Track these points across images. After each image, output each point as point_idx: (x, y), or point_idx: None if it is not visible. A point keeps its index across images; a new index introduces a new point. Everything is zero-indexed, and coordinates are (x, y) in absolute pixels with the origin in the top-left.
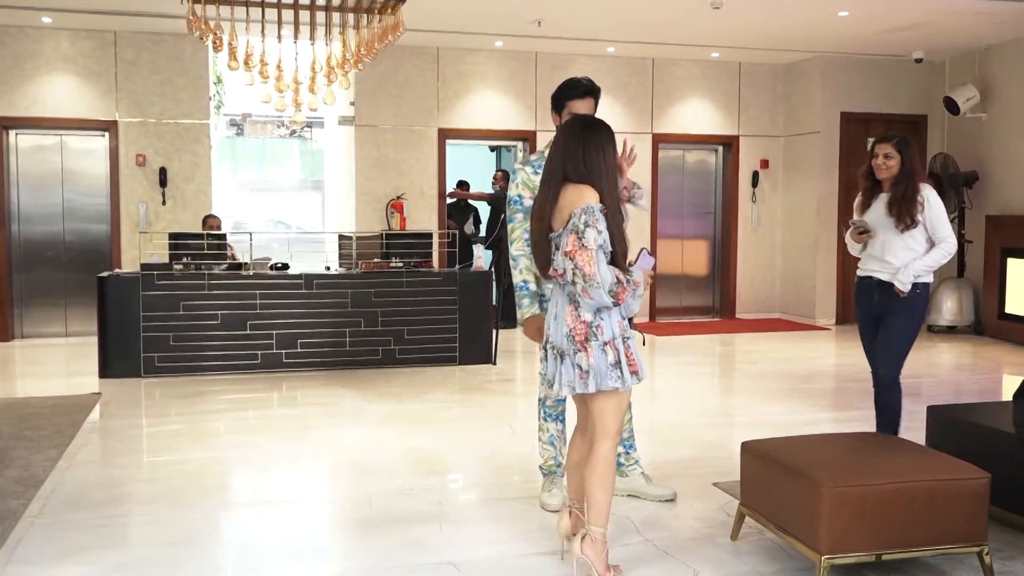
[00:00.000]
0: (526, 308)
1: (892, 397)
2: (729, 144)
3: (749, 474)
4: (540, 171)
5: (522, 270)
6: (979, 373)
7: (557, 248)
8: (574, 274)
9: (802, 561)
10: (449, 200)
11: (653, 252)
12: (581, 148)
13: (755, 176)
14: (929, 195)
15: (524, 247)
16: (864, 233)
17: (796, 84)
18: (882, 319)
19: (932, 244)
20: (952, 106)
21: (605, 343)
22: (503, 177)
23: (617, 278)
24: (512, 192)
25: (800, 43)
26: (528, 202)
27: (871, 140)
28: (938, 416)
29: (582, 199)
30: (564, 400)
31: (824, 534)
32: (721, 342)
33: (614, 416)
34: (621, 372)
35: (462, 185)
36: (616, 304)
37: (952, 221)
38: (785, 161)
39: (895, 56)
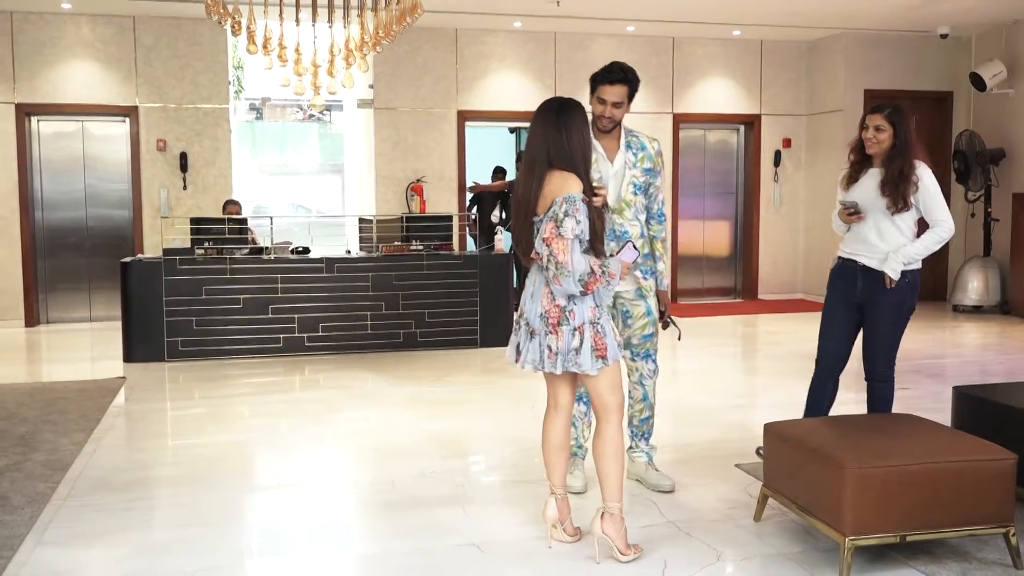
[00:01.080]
0: None
1: (885, 393)
2: (751, 123)
3: (772, 455)
4: None
5: None
6: (1006, 353)
7: (538, 232)
8: (548, 260)
9: (826, 542)
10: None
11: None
12: (562, 132)
13: (777, 155)
14: (923, 174)
15: None
16: (854, 214)
17: (819, 62)
18: (866, 310)
19: (920, 227)
20: (978, 82)
21: (575, 328)
22: None
23: (592, 268)
24: None
25: (823, 20)
26: None
27: None
28: (964, 397)
29: (565, 187)
30: None
31: (848, 515)
32: (744, 323)
33: (611, 392)
34: (580, 357)
35: (498, 171)
36: (584, 293)
37: (978, 199)
38: (808, 140)
39: (920, 32)
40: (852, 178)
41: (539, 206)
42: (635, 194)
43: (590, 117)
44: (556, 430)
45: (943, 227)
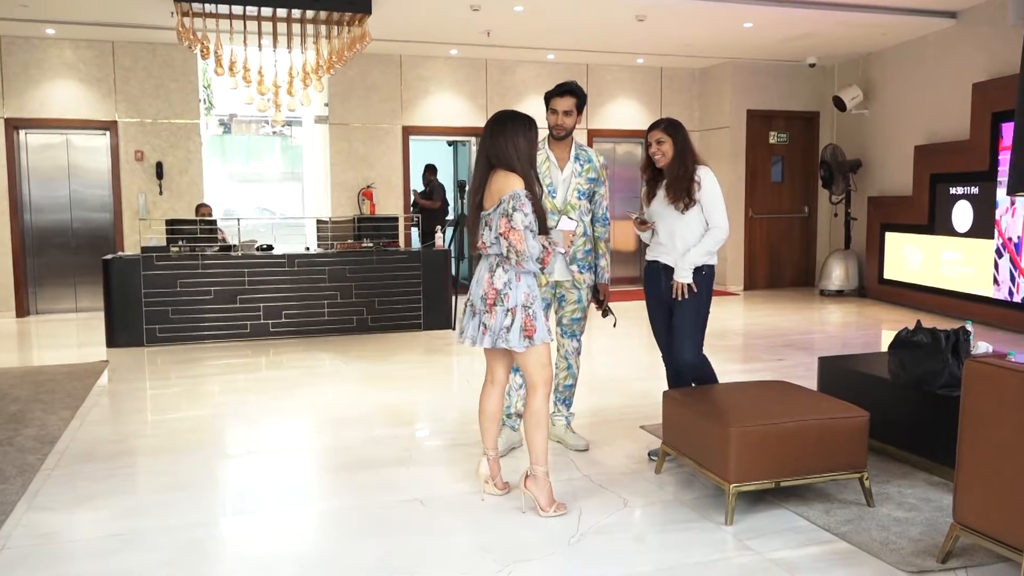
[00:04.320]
0: None
1: (701, 375)
2: None
3: (670, 417)
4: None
5: None
6: (862, 329)
7: (487, 225)
8: (508, 250)
9: (715, 489)
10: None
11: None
12: (499, 137)
13: None
14: (704, 175)
15: None
16: (644, 223)
17: (709, 86)
18: (671, 304)
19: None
20: (840, 104)
21: (508, 309)
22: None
23: (543, 246)
24: None
25: (712, 50)
26: None
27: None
28: (827, 365)
29: (508, 185)
30: None
31: (732, 466)
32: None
33: (538, 369)
34: (510, 335)
35: (430, 168)
36: (543, 268)
37: (840, 202)
38: (700, 152)
39: (793, 61)
40: (651, 194)
41: (487, 201)
42: (579, 198)
43: (546, 128)
44: (491, 401)
45: (718, 230)
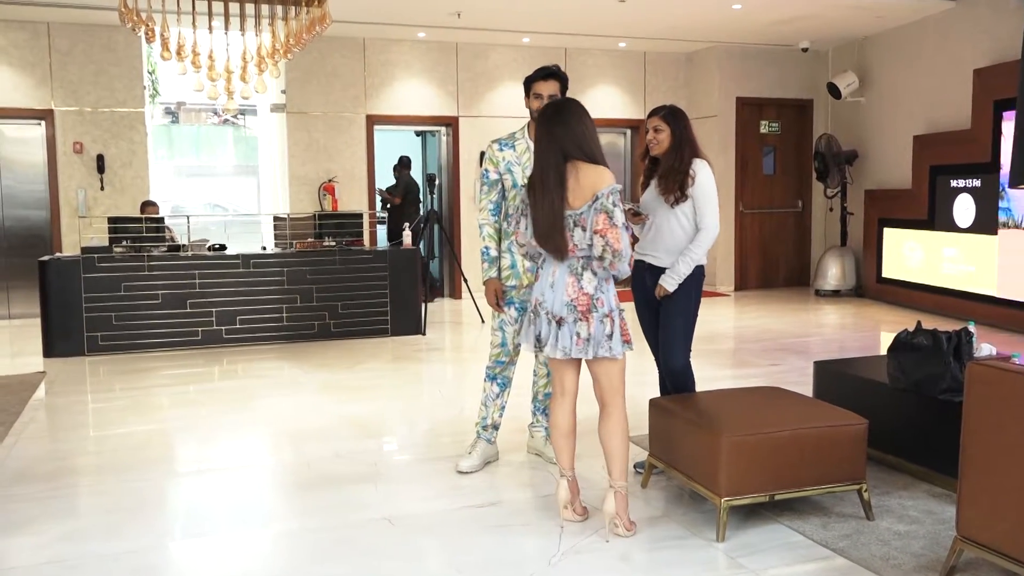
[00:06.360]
0: (485, 271)
1: (685, 382)
2: (636, 128)
3: (656, 428)
4: (505, 148)
5: (485, 236)
6: (860, 331)
7: (576, 225)
8: (603, 250)
9: (705, 503)
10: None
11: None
12: (566, 127)
13: None
14: (700, 170)
15: (489, 216)
16: (638, 215)
17: (696, 72)
18: (660, 305)
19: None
20: (835, 91)
21: (605, 315)
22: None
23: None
24: (482, 167)
25: (699, 34)
26: (493, 176)
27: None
28: (824, 370)
29: (603, 179)
30: (503, 362)
31: (723, 479)
32: (631, 308)
33: (620, 378)
34: (612, 342)
35: (403, 162)
36: (629, 269)
37: (835, 196)
38: None
39: (784, 46)
40: (645, 184)
41: (575, 199)
42: None
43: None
44: (565, 415)
45: (707, 231)
